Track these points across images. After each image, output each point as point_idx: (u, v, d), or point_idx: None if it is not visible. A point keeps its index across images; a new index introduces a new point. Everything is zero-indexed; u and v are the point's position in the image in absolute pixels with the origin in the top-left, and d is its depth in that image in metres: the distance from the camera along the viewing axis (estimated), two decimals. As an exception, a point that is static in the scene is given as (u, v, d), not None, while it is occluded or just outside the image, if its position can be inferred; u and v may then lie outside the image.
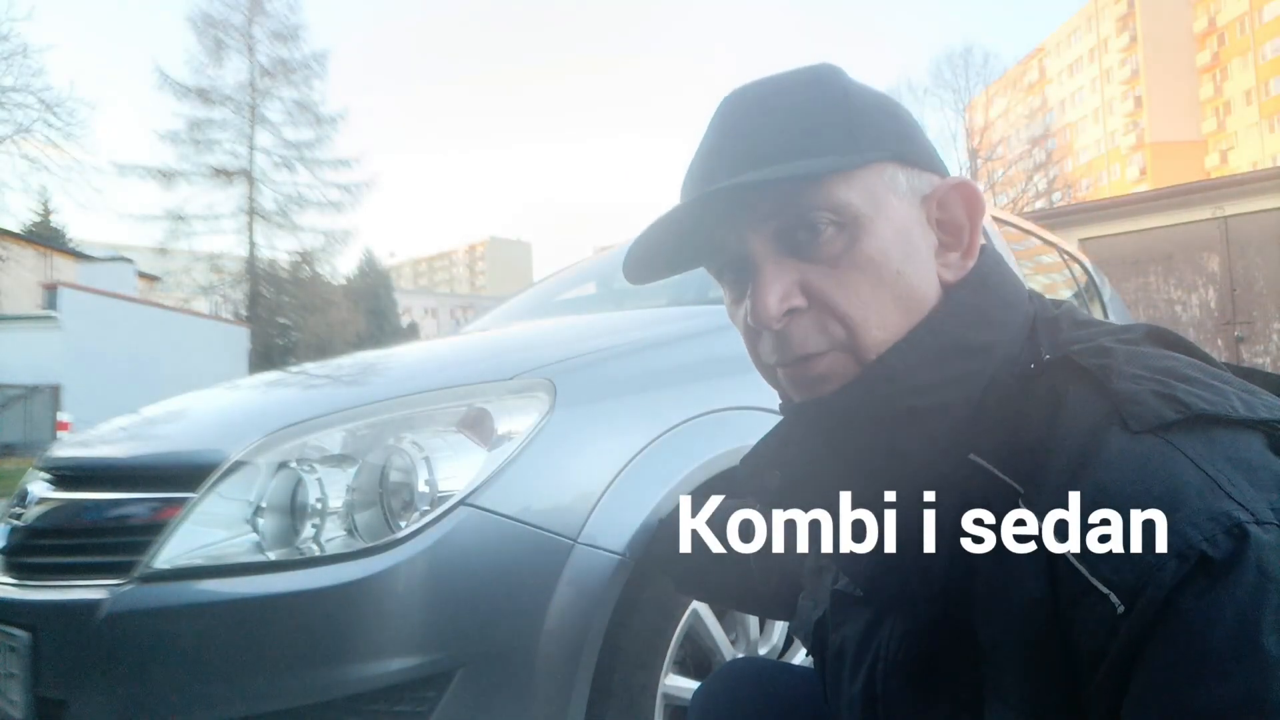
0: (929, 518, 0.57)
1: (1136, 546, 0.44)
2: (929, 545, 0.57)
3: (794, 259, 0.60)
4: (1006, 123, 32.45)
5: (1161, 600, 0.43)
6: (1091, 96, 57.91)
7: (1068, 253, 3.43)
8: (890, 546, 0.59)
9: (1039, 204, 27.32)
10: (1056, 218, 9.98)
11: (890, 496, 0.59)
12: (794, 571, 0.87)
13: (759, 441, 0.66)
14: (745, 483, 0.66)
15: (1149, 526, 0.44)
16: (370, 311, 31.18)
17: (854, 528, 0.62)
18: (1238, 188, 9.00)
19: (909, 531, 0.58)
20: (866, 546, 0.61)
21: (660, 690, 1.22)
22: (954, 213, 0.62)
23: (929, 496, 0.57)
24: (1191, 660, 0.41)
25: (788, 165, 0.57)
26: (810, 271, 0.59)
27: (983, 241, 0.64)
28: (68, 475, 1.37)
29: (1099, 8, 56.37)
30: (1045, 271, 3.29)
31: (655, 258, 0.66)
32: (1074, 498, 0.47)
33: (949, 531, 0.56)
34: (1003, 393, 0.56)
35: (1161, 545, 0.43)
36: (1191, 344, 0.57)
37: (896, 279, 0.59)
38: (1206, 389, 0.49)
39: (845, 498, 0.61)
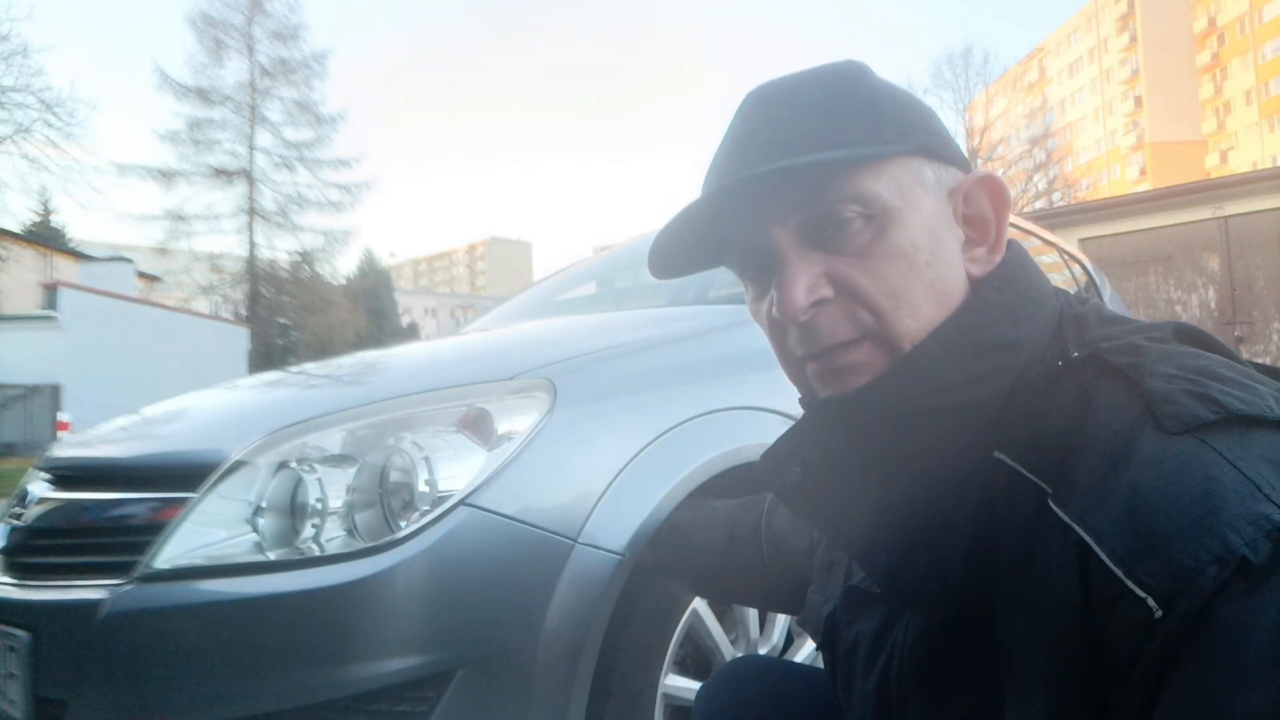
0: (950, 515, 0.57)
1: (1174, 550, 0.43)
2: (949, 543, 0.56)
3: (820, 251, 0.59)
4: (1006, 123, 32.43)
5: (1200, 605, 0.42)
6: (1091, 96, 57.92)
7: (1068, 253, 3.43)
8: (909, 544, 0.59)
9: (1039, 204, 27.31)
10: (1056, 218, 9.97)
11: (911, 493, 0.59)
12: (803, 565, 0.87)
13: (780, 437, 0.65)
14: (765, 478, 0.65)
15: (1187, 530, 0.43)
16: (370, 311, 31.17)
17: (873, 524, 0.61)
18: (1238, 188, 8.99)
19: (929, 529, 0.58)
20: (885, 543, 0.61)
21: (660, 690, 1.21)
22: (980, 207, 0.62)
23: (950, 494, 0.57)
24: (1230, 666, 0.41)
25: (814, 156, 0.56)
26: (837, 262, 0.58)
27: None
28: (68, 475, 1.36)
29: (1099, 8, 56.37)
30: (1045, 271, 3.28)
31: (678, 253, 0.66)
32: (1108, 499, 0.46)
33: (970, 530, 0.55)
34: (1029, 390, 0.55)
35: (1201, 549, 0.42)
36: (1220, 343, 0.56)
37: (926, 269, 0.58)
38: (1241, 389, 0.48)
39: (865, 494, 0.61)
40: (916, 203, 0.59)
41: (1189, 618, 0.42)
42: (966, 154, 0.68)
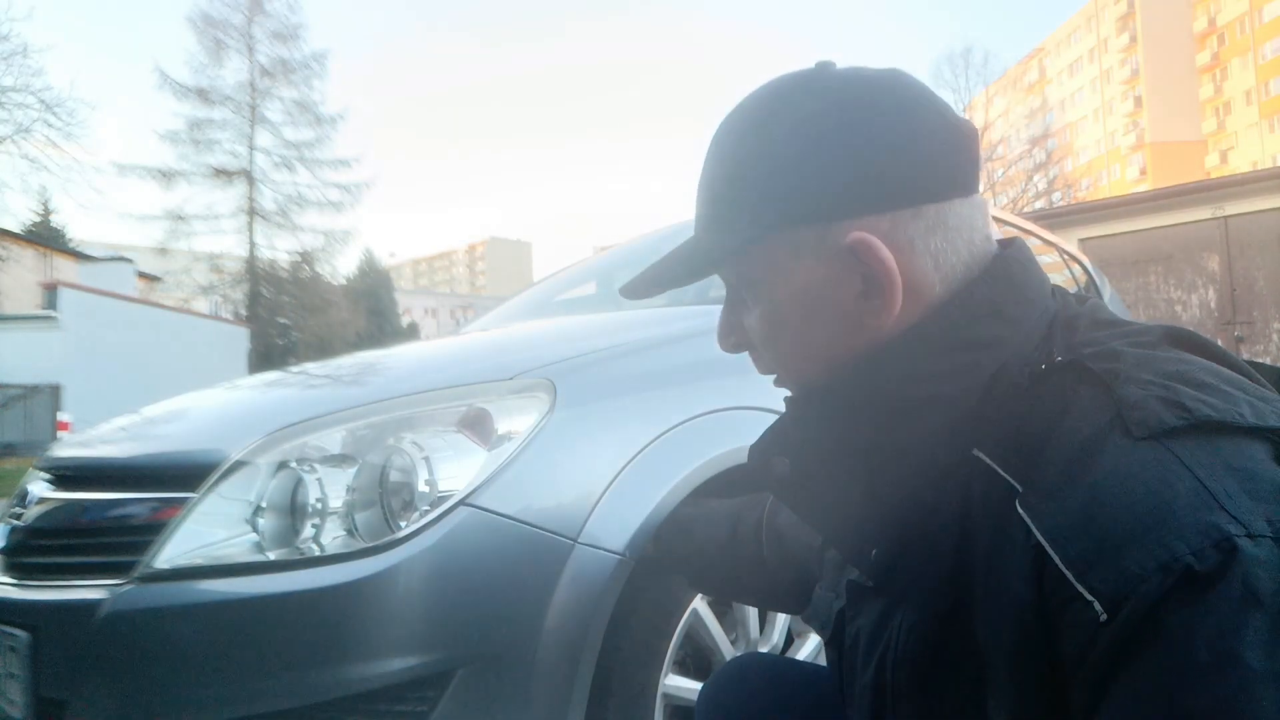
0: (933, 510, 0.57)
1: (1123, 557, 0.44)
2: (940, 539, 0.56)
3: (737, 304, 0.68)
4: (1006, 123, 32.43)
5: (1144, 612, 0.42)
6: (1091, 96, 57.95)
7: (1068, 253, 3.43)
8: (904, 539, 0.60)
9: (1039, 204, 27.30)
10: (1056, 218, 9.98)
11: (895, 487, 0.59)
12: (805, 563, 0.87)
13: (768, 428, 0.67)
14: (753, 469, 0.67)
15: (1137, 536, 0.44)
16: (370, 311, 31.16)
17: (860, 518, 0.62)
18: (1238, 188, 8.99)
19: (915, 523, 0.58)
20: (872, 537, 0.62)
21: (660, 690, 1.22)
22: (869, 262, 0.59)
23: (932, 489, 0.57)
24: (1170, 672, 0.41)
25: (693, 256, 0.67)
26: (745, 317, 0.67)
27: (1004, 235, 0.64)
28: (68, 475, 1.37)
29: (1099, 8, 56.40)
30: (1045, 271, 3.28)
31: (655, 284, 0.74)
32: (1067, 503, 0.47)
33: (953, 525, 0.55)
34: (1011, 390, 0.56)
35: (1148, 556, 0.43)
36: (1213, 345, 0.56)
37: (799, 334, 0.63)
38: (1216, 395, 0.48)
39: (851, 487, 0.61)
40: (787, 273, 0.61)
41: (1132, 623, 0.42)
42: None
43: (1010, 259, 0.62)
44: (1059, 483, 0.48)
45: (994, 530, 0.52)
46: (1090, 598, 0.44)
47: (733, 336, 0.69)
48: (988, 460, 0.54)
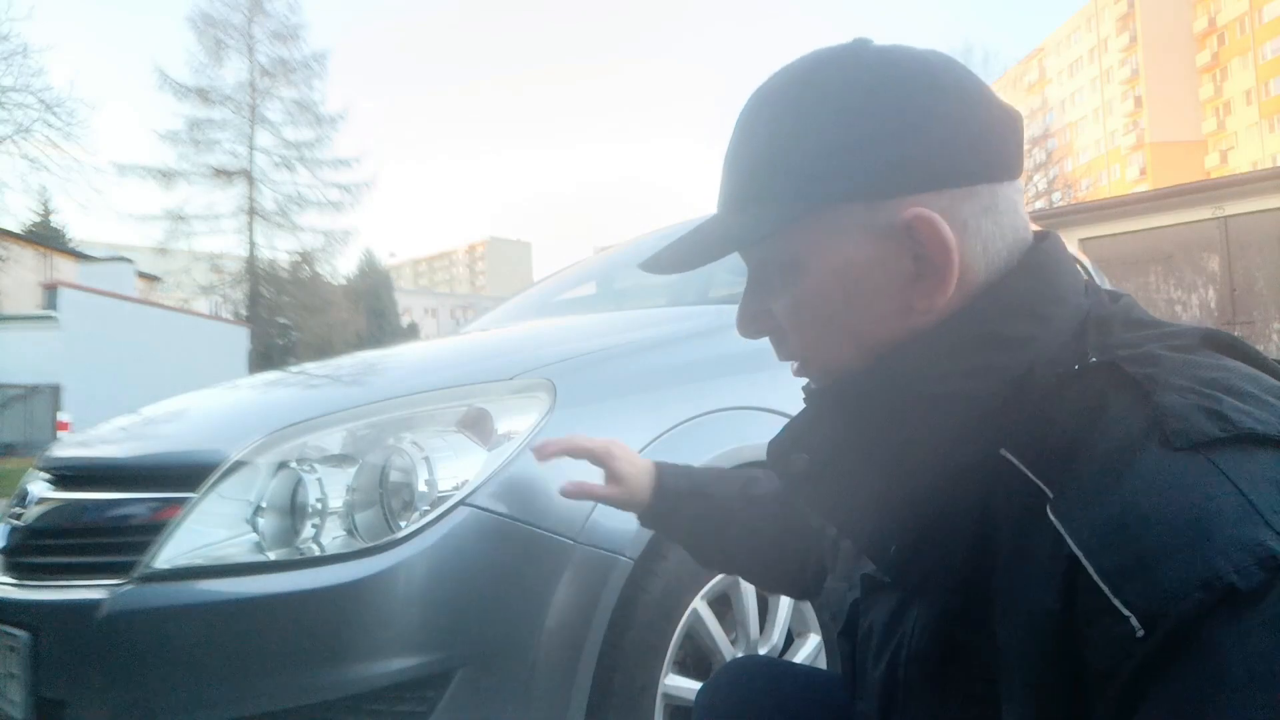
0: (953, 508, 0.56)
1: (1161, 571, 0.42)
2: (956, 536, 0.56)
3: (764, 287, 0.65)
4: (1006, 122, 32.31)
5: (1183, 629, 0.41)
6: (1091, 96, 57.98)
7: (1068, 253, 3.43)
8: (920, 536, 0.59)
9: (1039, 204, 27.29)
10: (1056, 218, 9.98)
11: (914, 484, 0.58)
12: (820, 550, 0.86)
13: (786, 424, 0.65)
14: (772, 466, 0.66)
15: (1178, 550, 0.42)
16: (370, 311, 31.20)
17: (879, 514, 0.61)
18: (1238, 188, 9.00)
19: (934, 521, 0.57)
20: (892, 534, 0.61)
21: (660, 690, 1.22)
22: (926, 241, 0.57)
23: (953, 487, 0.56)
24: (1207, 689, 0.40)
25: (725, 234, 0.63)
26: (771, 303, 0.64)
27: (1037, 228, 0.62)
28: (68, 475, 1.37)
29: (1099, 8, 56.42)
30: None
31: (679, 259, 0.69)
32: (1104, 513, 0.46)
33: (974, 524, 0.54)
34: (1041, 391, 0.54)
35: (1189, 572, 0.41)
36: (1252, 350, 0.54)
37: (834, 317, 0.60)
38: (1258, 405, 0.47)
39: (870, 482, 0.61)
40: (830, 253, 0.58)
41: (1170, 640, 0.41)
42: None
43: (1045, 252, 0.60)
44: (1094, 491, 0.47)
45: (1017, 533, 0.50)
46: (1126, 612, 0.43)
47: (756, 322, 0.65)
48: (1016, 462, 0.52)
